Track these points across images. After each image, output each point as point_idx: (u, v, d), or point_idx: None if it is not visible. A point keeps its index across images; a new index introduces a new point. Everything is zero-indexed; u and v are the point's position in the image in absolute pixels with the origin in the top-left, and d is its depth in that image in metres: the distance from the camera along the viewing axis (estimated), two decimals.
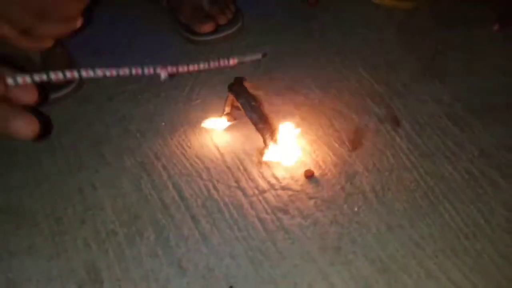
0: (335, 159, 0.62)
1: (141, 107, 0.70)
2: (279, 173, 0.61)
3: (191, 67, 0.50)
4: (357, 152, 0.63)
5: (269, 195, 0.59)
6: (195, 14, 0.78)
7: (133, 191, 0.60)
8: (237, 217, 0.57)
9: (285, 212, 0.57)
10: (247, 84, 0.62)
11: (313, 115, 0.68)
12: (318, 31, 0.81)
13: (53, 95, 0.70)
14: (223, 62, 0.51)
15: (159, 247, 0.55)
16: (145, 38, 0.81)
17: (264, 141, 0.60)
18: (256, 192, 0.59)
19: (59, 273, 0.53)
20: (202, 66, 0.51)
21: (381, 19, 0.83)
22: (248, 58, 0.54)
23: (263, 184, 0.60)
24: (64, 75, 0.40)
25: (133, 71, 0.44)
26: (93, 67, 0.41)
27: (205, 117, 0.67)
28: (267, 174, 0.61)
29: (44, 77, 0.39)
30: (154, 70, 0.46)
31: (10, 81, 0.38)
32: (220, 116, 0.66)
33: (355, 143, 0.61)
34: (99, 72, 0.42)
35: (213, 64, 0.51)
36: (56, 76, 0.40)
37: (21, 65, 0.65)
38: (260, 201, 0.58)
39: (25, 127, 0.37)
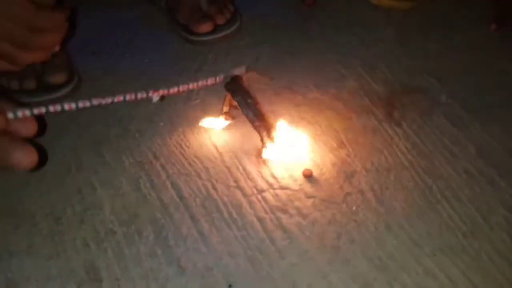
0: (333, 158, 0.62)
1: (140, 107, 0.70)
2: (278, 173, 0.61)
3: (181, 88, 0.54)
4: (355, 151, 0.63)
5: (267, 195, 0.59)
6: (193, 14, 0.78)
7: (132, 191, 0.60)
8: (236, 217, 0.57)
9: (284, 211, 0.57)
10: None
11: (311, 114, 0.68)
12: (316, 31, 0.82)
13: (52, 95, 0.70)
14: (211, 81, 0.57)
15: (158, 246, 0.55)
16: (143, 38, 0.81)
17: (261, 139, 0.61)
18: (255, 191, 0.59)
19: (59, 272, 0.53)
20: (191, 85, 0.55)
21: (379, 20, 0.83)
22: (233, 72, 0.60)
23: (261, 184, 0.60)
24: (62, 108, 0.42)
25: (127, 97, 0.48)
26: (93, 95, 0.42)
27: (204, 117, 0.67)
28: (266, 173, 0.61)
29: (43, 110, 0.41)
30: (147, 94, 0.50)
31: (10, 115, 0.39)
32: (218, 115, 0.66)
33: None
34: (95, 102, 0.44)
35: (202, 83, 0.56)
36: (54, 108, 0.42)
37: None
38: (259, 200, 0.59)
39: (25, 158, 0.38)
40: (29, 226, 0.57)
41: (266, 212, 0.57)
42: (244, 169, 0.62)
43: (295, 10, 0.85)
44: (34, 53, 0.56)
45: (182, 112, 0.69)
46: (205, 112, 0.68)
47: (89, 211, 0.58)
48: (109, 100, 0.46)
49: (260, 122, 0.60)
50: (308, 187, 0.60)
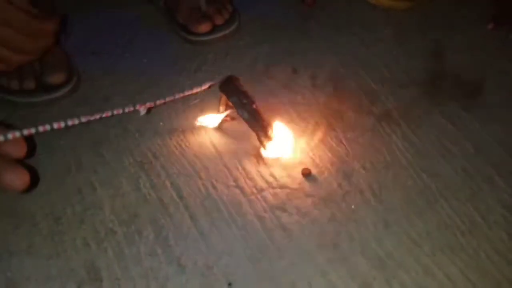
0: (332, 157, 0.63)
1: None
2: (277, 172, 0.61)
3: (167, 99, 0.57)
4: (354, 150, 0.63)
5: (267, 194, 0.59)
6: (192, 14, 0.78)
7: (132, 191, 0.60)
8: (235, 216, 0.57)
9: (283, 210, 0.58)
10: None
11: (310, 113, 0.68)
12: (316, 31, 0.82)
13: (51, 95, 0.70)
14: (196, 89, 0.60)
15: (158, 245, 0.55)
16: (143, 38, 0.81)
17: (258, 139, 0.61)
18: (254, 190, 0.60)
19: (59, 272, 0.53)
20: (177, 96, 0.58)
21: (378, 19, 0.83)
22: (218, 80, 0.62)
23: (261, 183, 0.60)
24: (52, 127, 0.42)
25: (115, 112, 0.50)
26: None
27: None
28: (265, 172, 0.61)
29: (33, 130, 0.41)
30: (134, 107, 0.52)
31: (1, 138, 0.39)
32: (216, 113, 0.66)
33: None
34: (84, 119, 0.46)
35: (188, 92, 0.59)
36: (44, 127, 0.42)
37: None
38: (258, 199, 0.59)
39: (17, 180, 0.39)
40: (29, 226, 0.57)
41: (265, 211, 0.58)
42: (244, 168, 0.62)
43: (295, 10, 0.86)
44: (26, 56, 0.60)
45: (181, 112, 0.69)
46: (205, 112, 0.68)
47: (89, 211, 0.59)
48: (97, 116, 0.48)
49: (257, 122, 0.60)
50: (307, 186, 0.60)
